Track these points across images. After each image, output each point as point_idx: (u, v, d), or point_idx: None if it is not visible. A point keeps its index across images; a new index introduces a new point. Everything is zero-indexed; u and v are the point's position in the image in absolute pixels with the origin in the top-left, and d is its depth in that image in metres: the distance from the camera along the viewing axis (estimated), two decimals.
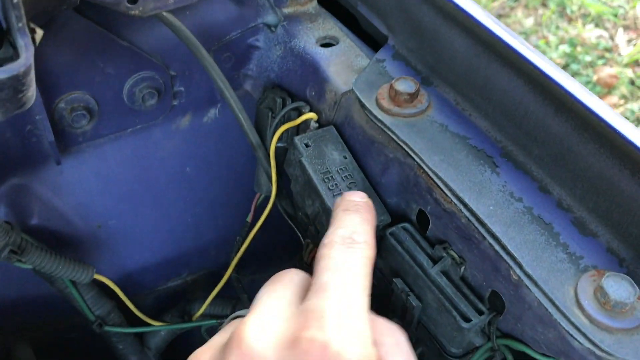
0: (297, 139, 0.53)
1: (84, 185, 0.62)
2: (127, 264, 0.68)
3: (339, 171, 0.53)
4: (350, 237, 0.40)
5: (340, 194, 0.51)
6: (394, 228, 0.51)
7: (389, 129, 0.51)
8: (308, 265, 0.60)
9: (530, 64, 0.46)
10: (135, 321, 0.67)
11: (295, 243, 0.62)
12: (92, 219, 0.64)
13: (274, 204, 0.62)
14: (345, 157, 0.54)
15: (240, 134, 0.68)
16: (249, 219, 0.64)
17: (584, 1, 2.39)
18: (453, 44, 0.52)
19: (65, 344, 0.66)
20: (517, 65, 0.47)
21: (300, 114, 0.58)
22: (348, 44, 0.60)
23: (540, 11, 2.40)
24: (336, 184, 0.52)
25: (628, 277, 0.40)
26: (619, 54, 2.19)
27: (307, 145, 0.53)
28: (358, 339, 0.35)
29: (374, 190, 0.53)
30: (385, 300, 0.53)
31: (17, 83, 0.34)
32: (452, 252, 0.48)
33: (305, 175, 0.52)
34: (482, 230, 0.45)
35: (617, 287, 0.40)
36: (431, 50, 0.55)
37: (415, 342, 0.55)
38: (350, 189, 0.52)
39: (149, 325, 0.66)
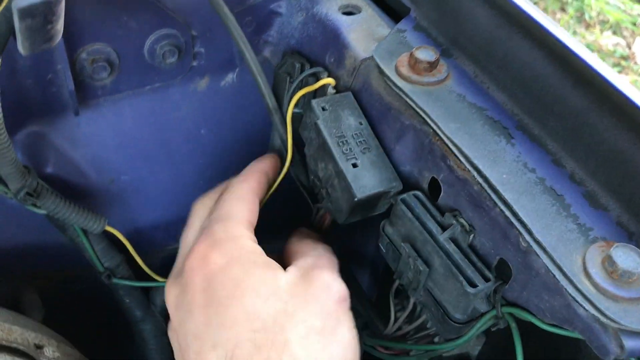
0: (314, 102, 0.54)
1: (99, 138, 0.63)
2: (137, 220, 0.69)
3: (354, 136, 0.53)
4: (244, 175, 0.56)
5: (354, 158, 0.52)
6: (404, 195, 0.52)
7: (407, 95, 0.51)
8: (317, 230, 0.60)
9: (552, 36, 0.46)
10: (143, 277, 0.68)
11: (305, 210, 0.63)
12: (106, 173, 0.65)
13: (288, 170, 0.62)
14: (360, 123, 0.54)
15: (257, 100, 0.69)
16: None
17: (604, 8, 2.38)
18: (475, 15, 0.52)
19: (73, 295, 0.67)
20: (539, 38, 0.47)
21: (318, 79, 0.58)
22: (369, 13, 0.61)
23: (559, 15, 2.39)
24: (350, 149, 0.52)
25: (637, 248, 0.40)
26: (635, 63, 2.18)
27: (323, 109, 0.54)
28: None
29: (388, 157, 0.54)
30: (394, 265, 0.53)
31: (48, 11, 0.34)
32: (461, 220, 0.49)
33: (320, 138, 0.53)
34: (495, 197, 0.45)
35: (626, 257, 0.40)
36: (453, 22, 0.55)
37: (420, 308, 0.55)
38: (364, 154, 0.52)
39: (156, 281, 0.66)
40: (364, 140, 0.53)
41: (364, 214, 0.54)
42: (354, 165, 0.51)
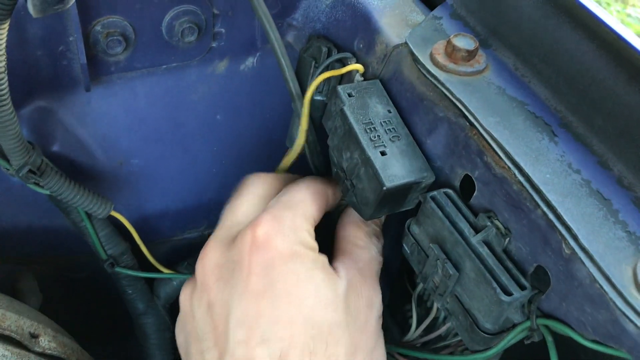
0: (340, 88, 0.50)
1: (110, 118, 0.59)
2: (145, 207, 0.66)
3: (382, 124, 0.49)
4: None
5: (382, 145, 0.48)
6: (435, 192, 0.48)
7: (442, 85, 0.47)
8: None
9: (607, 26, 0.42)
10: (148, 268, 0.64)
11: None
12: (115, 155, 0.62)
13: (302, 157, 0.58)
14: (389, 111, 0.50)
15: (277, 87, 0.66)
16: None
17: (624, 20, 2.35)
18: (519, 4, 0.49)
19: (73, 283, 0.64)
20: (591, 28, 0.44)
21: (345, 65, 0.55)
22: None
23: None
24: (379, 136, 0.48)
25: None
26: None
27: (350, 95, 0.50)
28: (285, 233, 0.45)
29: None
30: (419, 267, 0.50)
31: None
32: (497, 222, 0.45)
33: (346, 125, 0.49)
34: (537, 198, 0.41)
35: None
36: (494, 11, 0.51)
37: (445, 316, 0.52)
38: (393, 142, 0.48)
39: (161, 272, 0.63)
40: (393, 128, 0.49)
41: (392, 209, 0.50)
42: (383, 153, 0.48)
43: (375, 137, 0.48)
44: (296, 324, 0.42)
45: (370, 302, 0.48)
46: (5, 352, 0.46)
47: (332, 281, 0.46)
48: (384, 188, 0.46)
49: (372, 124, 0.49)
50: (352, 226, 0.53)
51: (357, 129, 0.48)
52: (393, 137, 0.49)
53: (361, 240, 0.52)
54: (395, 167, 0.47)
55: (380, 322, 0.49)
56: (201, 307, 0.45)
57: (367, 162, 0.47)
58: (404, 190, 0.48)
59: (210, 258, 0.46)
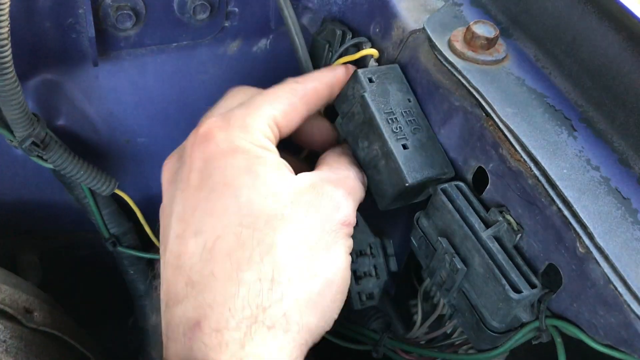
0: (360, 72, 0.48)
1: (118, 95, 0.58)
2: (150, 187, 0.64)
3: (404, 114, 0.48)
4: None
5: (404, 138, 0.46)
6: (445, 185, 0.46)
7: (460, 73, 0.46)
8: None
9: (635, 17, 0.40)
10: (150, 249, 0.63)
11: None
12: (121, 133, 0.60)
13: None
14: (409, 100, 0.49)
15: (289, 70, 0.64)
16: None
17: None
18: None
19: (74, 260, 0.63)
20: (618, 19, 0.42)
21: (359, 50, 0.53)
22: None
23: None
24: (400, 127, 0.47)
25: None
26: None
27: (370, 81, 0.48)
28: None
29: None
30: (426, 261, 0.48)
31: None
32: (509, 217, 0.43)
33: (367, 113, 0.47)
34: (552, 194, 0.40)
35: None
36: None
37: (451, 313, 0.50)
38: (414, 134, 0.47)
39: None
40: (414, 119, 0.48)
41: (406, 201, 0.48)
42: (404, 147, 0.46)
43: (397, 129, 0.46)
44: (228, 213, 0.41)
45: (334, 205, 0.44)
46: None
47: (279, 174, 0.43)
48: (407, 184, 0.44)
49: (394, 113, 0.47)
50: (336, 153, 0.50)
51: (379, 119, 0.46)
52: (414, 128, 0.47)
53: (340, 162, 0.48)
54: (417, 162, 0.46)
55: (346, 231, 0.44)
56: (160, 216, 0.46)
57: (389, 156, 0.45)
58: (422, 186, 0.46)
59: (166, 166, 0.47)
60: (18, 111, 0.47)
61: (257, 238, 0.40)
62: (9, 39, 0.43)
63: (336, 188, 0.45)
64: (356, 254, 0.51)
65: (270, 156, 0.44)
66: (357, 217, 0.49)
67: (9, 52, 0.43)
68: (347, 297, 0.57)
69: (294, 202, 0.42)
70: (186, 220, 0.42)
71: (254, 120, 0.45)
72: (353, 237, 0.49)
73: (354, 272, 0.51)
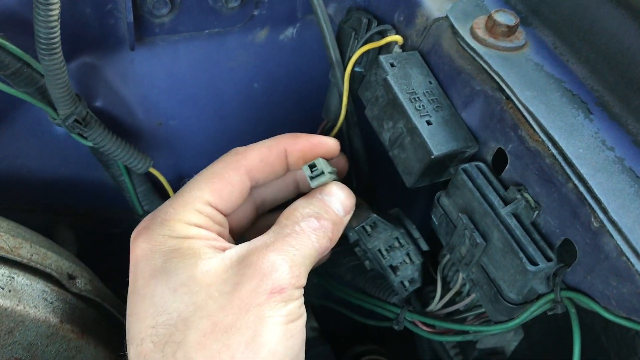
0: (382, 57, 0.51)
1: (151, 79, 0.61)
2: (180, 168, 0.67)
3: (425, 94, 0.50)
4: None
5: (428, 115, 0.49)
6: (466, 165, 0.49)
7: (481, 58, 0.48)
8: None
9: None
10: None
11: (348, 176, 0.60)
12: (154, 115, 0.63)
13: (340, 130, 0.60)
14: (430, 82, 0.51)
15: (315, 59, 0.67)
16: None
17: None
18: None
19: (107, 236, 0.66)
20: (634, 7, 0.44)
21: (384, 37, 0.56)
22: None
23: None
24: (423, 106, 0.49)
25: None
26: None
27: (392, 65, 0.51)
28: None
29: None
30: (447, 239, 0.50)
31: None
32: (527, 195, 0.46)
33: (390, 94, 0.50)
34: (569, 171, 0.42)
35: None
36: None
37: (469, 287, 0.53)
38: (436, 112, 0.49)
39: None
40: (435, 98, 0.50)
41: (433, 178, 0.51)
42: (428, 123, 0.48)
43: (420, 107, 0.49)
44: (146, 316, 0.41)
45: (263, 273, 0.41)
46: (45, 289, 0.48)
47: (191, 262, 0.42)
48: (432, 156, 0.47)
49: (416, 93, 0.50)
50: (296, 205, 0.47)
51: (402, 98, 0.49)
52: (437, 107, 0.49)
53: (297, 218, 0.46)
54: (441, 136, 0.48)
55: (277, 298, 0.41)
56: None
57: (414, 131, 0.48)
58: (447, 160, 0.49)
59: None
60: (63, 90, 0.50)
61: (168, 335, 0.40)
62: (59, 20, 0.45)
63: (268, 254, 0.42)
64: (386, 250, 0.54)
65: (186, 244, 0.43)
66: (376, 219, 0.52)
67: (59, 34, 0.45)
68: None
69: (207, 286, 0.41)
70: (127, 328, 0.43)
71: (176, 212, 0.44)
72: (378, 238, 0.51)
73: (389, 266, 0.55)
